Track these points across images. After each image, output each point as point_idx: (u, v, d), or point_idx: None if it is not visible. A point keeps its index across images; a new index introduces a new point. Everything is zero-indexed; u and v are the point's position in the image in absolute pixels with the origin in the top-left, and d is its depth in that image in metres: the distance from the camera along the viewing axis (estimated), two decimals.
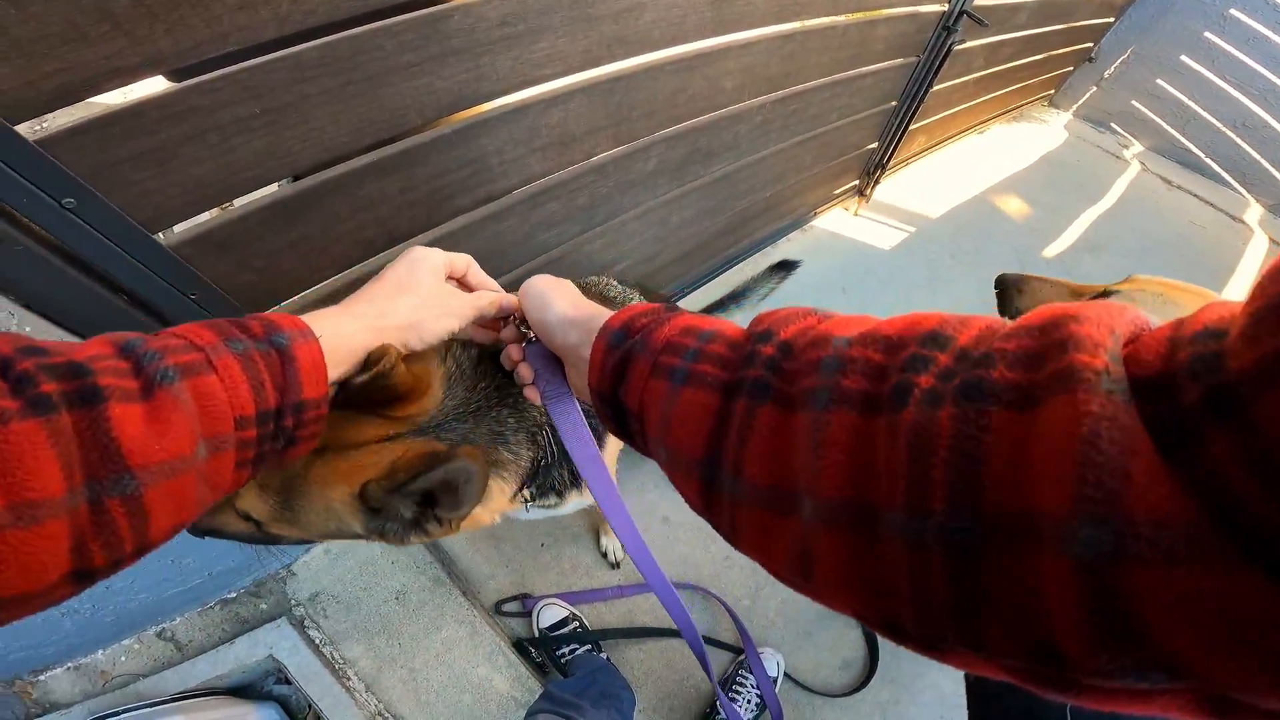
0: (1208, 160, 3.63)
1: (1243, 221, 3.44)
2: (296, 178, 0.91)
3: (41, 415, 0.33)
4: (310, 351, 0.49)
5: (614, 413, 0.49)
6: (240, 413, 0.43)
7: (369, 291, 0.60)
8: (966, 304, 2.57)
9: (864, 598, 0.32)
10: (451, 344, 0.76)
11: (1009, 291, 1.23)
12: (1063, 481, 0.23)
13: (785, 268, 2.34)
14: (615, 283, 1.32)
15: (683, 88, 1.35)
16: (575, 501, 1.02)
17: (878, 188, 2.74)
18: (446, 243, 1.18)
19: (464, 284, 0.70)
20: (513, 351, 0.65)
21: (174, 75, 0.70)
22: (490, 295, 0.67)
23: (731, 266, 2.41)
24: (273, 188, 0.89)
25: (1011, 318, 0.95)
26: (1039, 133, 3.78)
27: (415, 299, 0.60)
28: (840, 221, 2.77)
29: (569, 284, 0.62)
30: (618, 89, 1.21)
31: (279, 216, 0.91)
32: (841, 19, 1.60)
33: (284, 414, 0.47)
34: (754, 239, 2.42)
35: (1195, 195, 3.52)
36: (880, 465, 0.30)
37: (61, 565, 0.34)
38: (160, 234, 0.79)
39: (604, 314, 0.52)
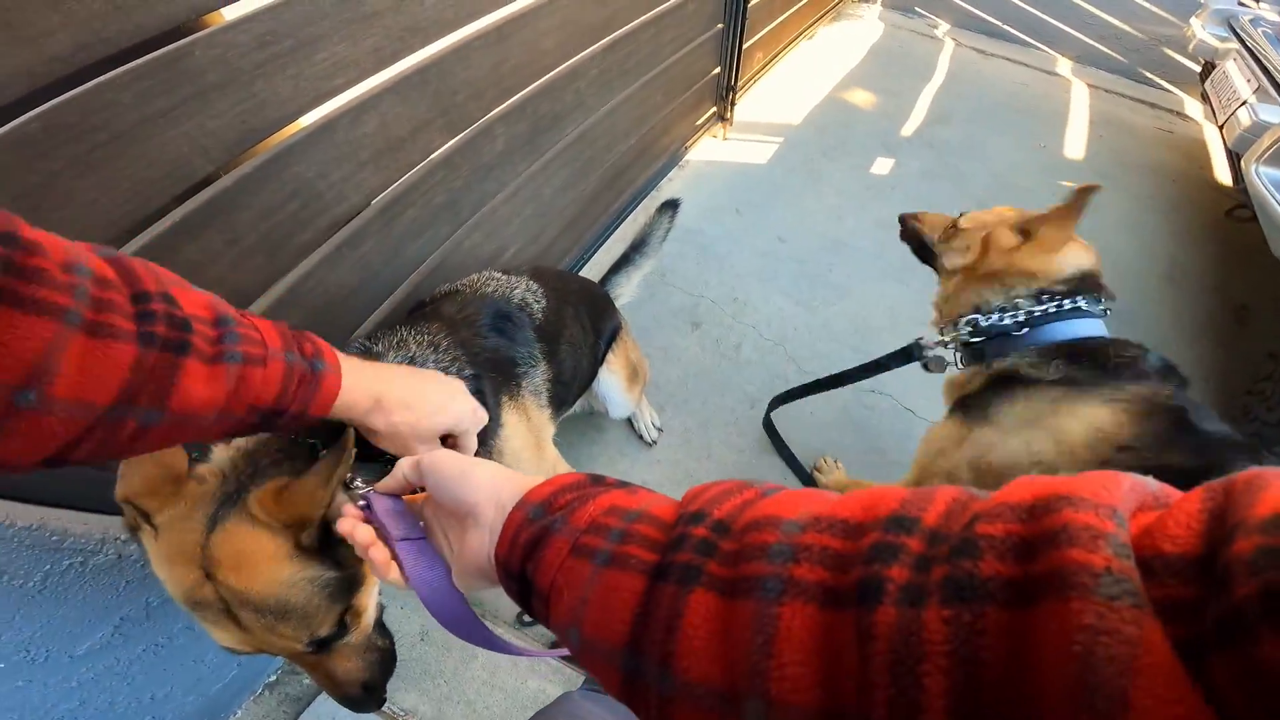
0: (1006, 27, 3.72)
1: (1057, 74, 3.53)
2: None
3: (142, 347, 0.42)
4: (332, 385, 0.57)
5: (519, 588, 0.42)
6: (255, 403, 0.50)
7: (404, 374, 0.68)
8: (851, 194, 2.55)
9: None
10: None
11: (908, 225, 1.42)
12: (1061, 702, 0.20)
13: (672, 206, 2.27)
14: (497, 274, 1.19)
15: (502, 59, 1.23)
16: None
17: (736, 109, 2.66)
18: (308, 284, 1.06)
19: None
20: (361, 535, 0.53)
21: None
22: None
23: (622, 221, 2.31)
24: None
25: (919, 245, 1.24)
26: (859, 28, 3.76)
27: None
28: (713, 149, 2.69)
29: None
30: (429, 78, 1.09)
31: None
32: None
33: (281, 415, 0.53)
34: (635, 187, 2.32)
35: (1008, 59, 3.59)
36: (849, 669, 0.26)
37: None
38: None
39: (532, 481, 0.45)
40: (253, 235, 0.93)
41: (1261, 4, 2.72)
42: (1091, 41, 3.54)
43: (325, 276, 1.10)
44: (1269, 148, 1.74)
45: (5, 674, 0.83)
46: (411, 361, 0.91)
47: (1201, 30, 2.67)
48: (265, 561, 0.63)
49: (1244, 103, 2.10)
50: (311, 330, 1.10)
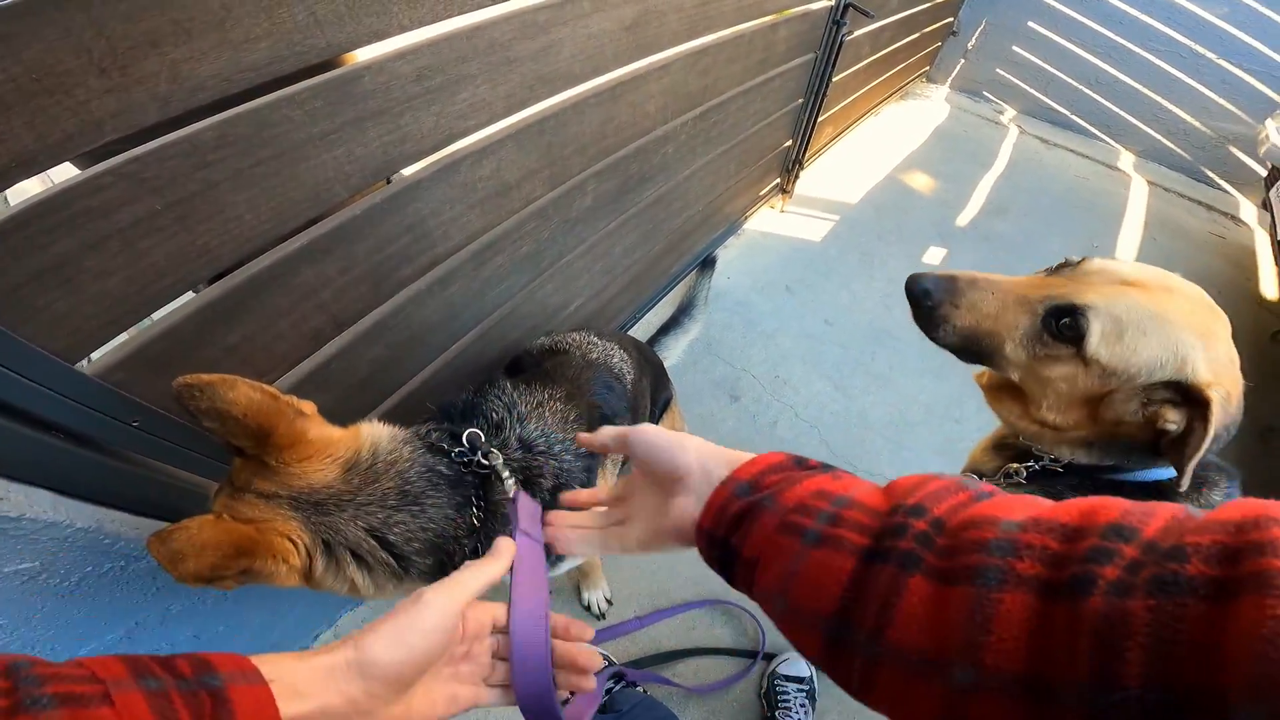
0: (1074, 117, 3.81)
1: (1118, 169, 3.61)
2: (214, 278, 0.78)
3: None
4: (254, 695, 0.41)
5: (721, 555, 0.49)
6: None
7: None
8: (901, 282, 2.56)
9: None
10: (378, 436, 0.80)
11: (941, 308, 0.89)
12: (1242, 670, 0.26)
13: (709, 264, 2.39)
14: (595, 339, 1.27)
15: (610, 118, 1.28)
16: (566, 564, 1.08)
17: (797, 183, 2.73)
18: (397, 318, 1.07)
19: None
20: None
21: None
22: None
23: (676, 284, 2.35)
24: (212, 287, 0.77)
25: (943, 336, 0.83)
26: (925, 108, 3.90)
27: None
28: (769, 221, 2.76)
29: None
30: (546, 129, 1.12)
31: (212, 321, 0.78)
32: (747, 26, 1.56)
33: None
34: (693, 253, 2.36)
35: (1071, 150, 3.68)
36: (1058, 645, 0.32)
37: None
38: (83, 361, 0.66)
39: (740, 458, 0.52)
40: (365, 265, 0.93)
41: None
42: (1158, 136, 3.61)
43: (413, 313, 1.11)
44: None
45: None
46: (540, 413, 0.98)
47: (1276, 133, 2.61)
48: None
49: None
50: (389, 365, 1.13)
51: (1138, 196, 3.41)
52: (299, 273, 0.84)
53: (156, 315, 0.73)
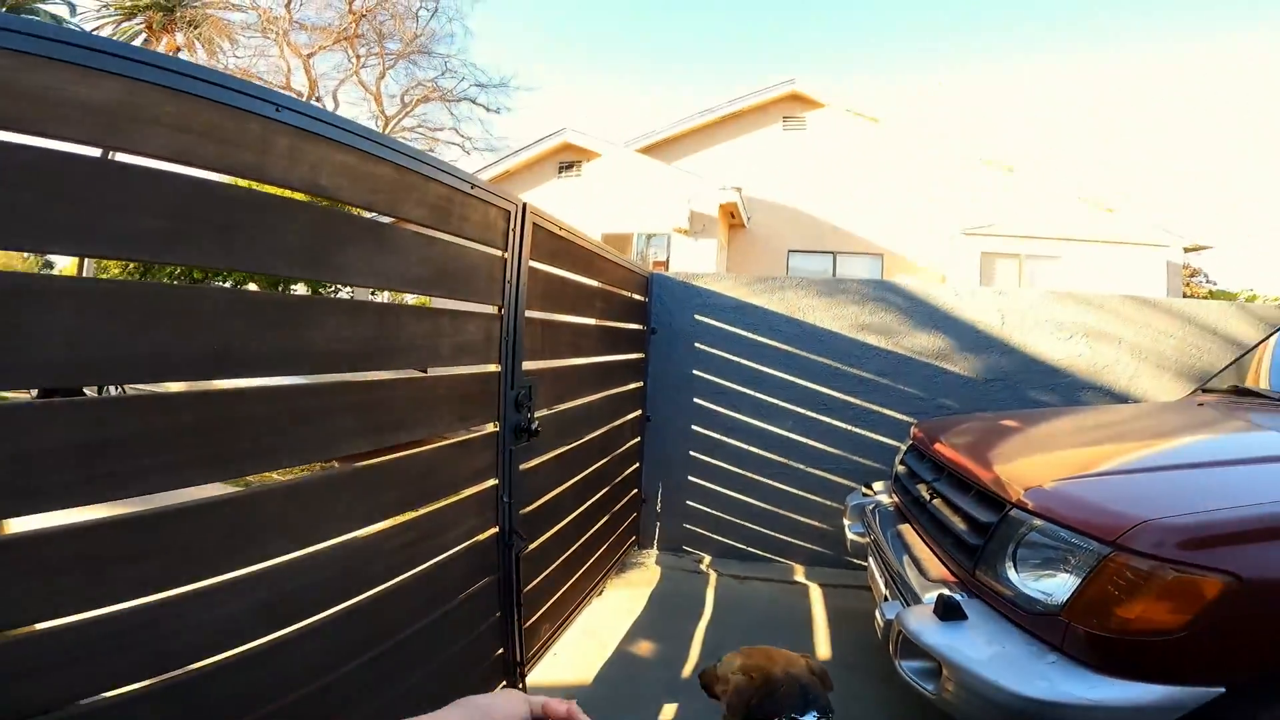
0: (750, 549, 4.95)
1: (797, 581, 4.63)
2: None
3: None
4: None
5: None
6: None
7: None
8: None
9: None
10: None
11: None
12: None
13: None
14: None
15: None
16: None
17: (527, 680, 3.04)
18: None
19: None
20: None
21: None
22: None
23: None
24: None
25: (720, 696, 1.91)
26: (642, 576, 4.71)
27: None
28: None
29: None
30: None
31: None
32: (405, 576, 2.07)
33: None
34: None
35: (759, 578, 4.67)
36: None
37: None
38: None
39: None
40: None
41: (875, 486, 3.56)
42: (806, 544, 4.77)
43: None
44: (896, 643, 2.01)
45: None
46: None
47: (849, 530, 3.26)
48: None
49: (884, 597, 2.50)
50: None
51: (817, 601, 4.30)
52: None
53: None
